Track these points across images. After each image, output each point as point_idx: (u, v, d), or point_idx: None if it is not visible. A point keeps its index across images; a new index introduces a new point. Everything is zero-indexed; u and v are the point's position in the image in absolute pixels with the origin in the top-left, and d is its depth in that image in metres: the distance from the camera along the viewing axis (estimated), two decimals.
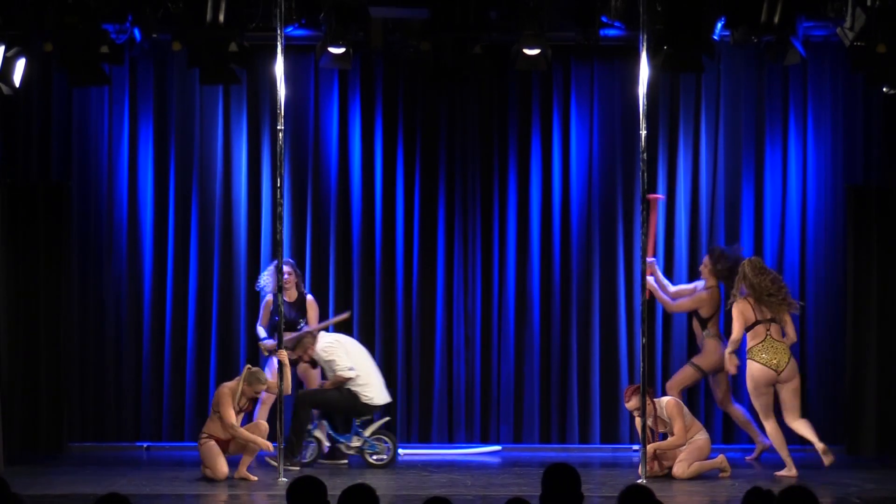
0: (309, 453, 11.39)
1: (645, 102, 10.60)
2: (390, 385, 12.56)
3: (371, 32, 11.65)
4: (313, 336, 11.50)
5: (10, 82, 10.82)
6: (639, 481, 10.46)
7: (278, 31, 10.61)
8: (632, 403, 10.83)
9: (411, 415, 12.66)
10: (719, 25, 11.14)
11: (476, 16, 11.11)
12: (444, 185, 12.69)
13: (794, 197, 12.57)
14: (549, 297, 12.65)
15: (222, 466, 10.64)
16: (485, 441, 12.53)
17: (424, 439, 12.63)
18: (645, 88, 10.57)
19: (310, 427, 11.37)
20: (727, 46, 11.87)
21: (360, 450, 11.40)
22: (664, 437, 10.90)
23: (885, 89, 11.12)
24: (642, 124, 10.65)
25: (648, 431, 10.71)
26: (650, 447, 10.67)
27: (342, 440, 11.41)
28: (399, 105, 12.72)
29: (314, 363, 11.64)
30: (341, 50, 11.37)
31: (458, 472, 11.23)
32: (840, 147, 12.53)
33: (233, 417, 10.65)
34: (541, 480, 5.36)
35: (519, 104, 12.70)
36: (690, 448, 10.83)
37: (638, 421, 10.78)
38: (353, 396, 11.40)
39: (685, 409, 10.97)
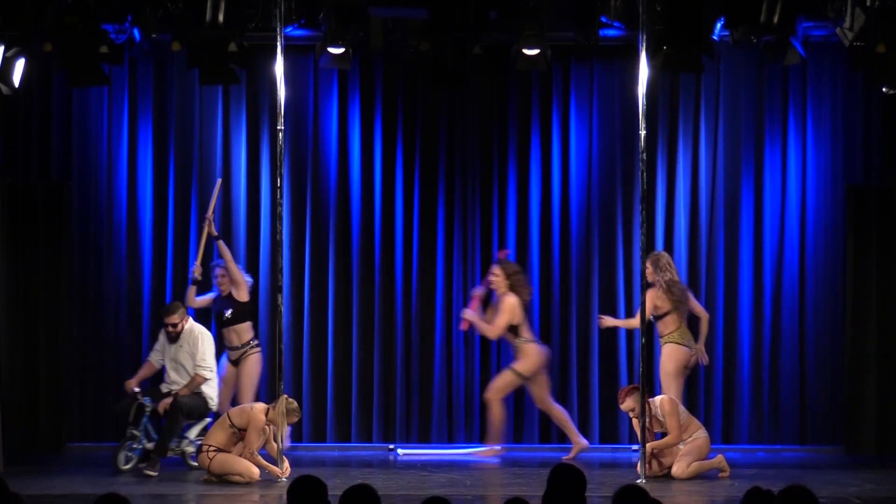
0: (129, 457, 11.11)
1: (644, 102, 10.60)
2: (389, 385, 12.59)
3: (371, 32, 11.64)
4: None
5: (9, 82, 10.82)
6: (638, 481, 10.46)
7: (278, 31, 10.61)
8: (626, 404, 10.83)
9: (410, 415, 12.66)
10: (719, 25, 11.13)
11: (476, 16, 11.10)
12: (443, 185, 12.70)
13: (793, 197, 12.57)
14: (548, 296, 12.65)
15: (254, 468, 10.54)
16: (484, 442, 12.52)
17: (424, 439, 12.63)
18: (644, 88, 10.57)
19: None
20: (727, 46, 11.86)
21: (182, 451, 11.23)
22: (661, 436, 10.90)
23: (884, 89, 11.11)
24: (642, 124, 10.65)
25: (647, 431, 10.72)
26: (648, 445, 10.66)
27: (173, 443, 11.14)
28: (399, 105, 12.73)
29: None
30: (341, 50, 11.37)
31: (458, 472, 11.22)
32: (840, 147, 12.54)
33: (256, 445, 10.56)
34: (547, 479, 5.36)
35: (518, 104, 12.70)
36: (690, 447, 10.83)
37: (636, 421, 10.78)
38: (204, 400, 11.25)
39: (680, 406, 10.97)
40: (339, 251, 12.68)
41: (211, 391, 11.26)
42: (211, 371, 11.24)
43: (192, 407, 11.11)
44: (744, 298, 12.57)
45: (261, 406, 10.64)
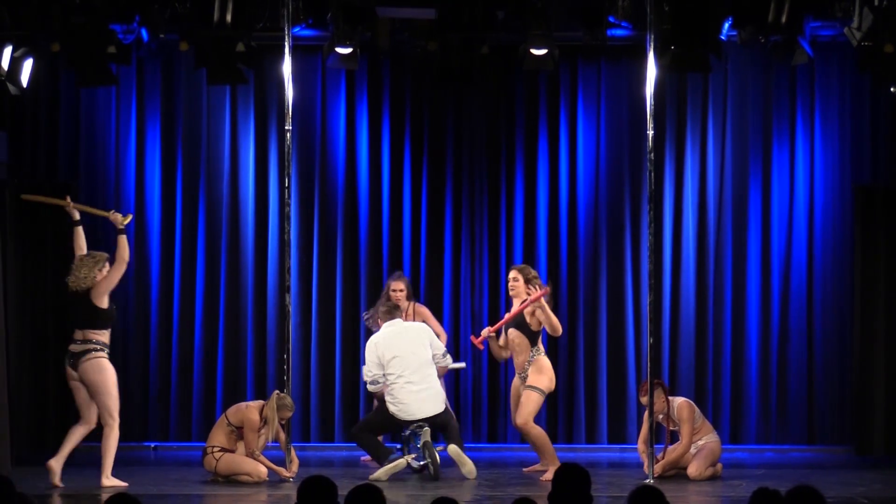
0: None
1: (652, 102, 10.60)
2: None
3: (378, 32, 11.66)
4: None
5: (17, 82, 10.82)
6: (646, 481, 10.46)
7: (286, 31, 10.60)
8: (646, 399, 10.78)
9: None
10: (727, 25, 11.13)
11: (483, 16, 11.09)
12: (451, 185, 12.70)
13: (801, 197, 12.57)
14: (556, 296, 12.62)
15: (261, 467, 10.53)
16: (492, 441, 12.52)
17: (432, 438, 12.59)
18: (652, 88, 10.57)
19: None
20: (734, 46, 11.86)
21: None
22: (675, 436, 10.87)
23: (892, 89, 11.10)
24: (649, 124, 10.64)
25: (658, 427, 10.71)
26: (657, 466, 10.64)
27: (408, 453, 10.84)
28: (406, 105, 12.73)
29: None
30: (348, 50, 11.37)
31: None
32: (847, 147, 12.53)
33: (255, 444, 10.56)
34: (552, 479, 5.36)
35: (526, 104, 12.70)
36: (704, 451, 10.76)
37: (646, 418, 10.77)
38: (386, 410, 10.84)
39: (697, 411, 10.90)
40: (346, 251, 12.69)
41: (390, 399, 10.85)
42: (366, 377, 10.94)
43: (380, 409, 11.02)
44: (751, 298, 12.56)
45: (255, 404, 10.65)
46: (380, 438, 11.00)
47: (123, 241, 10.28)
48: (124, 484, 10.33)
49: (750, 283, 12.58)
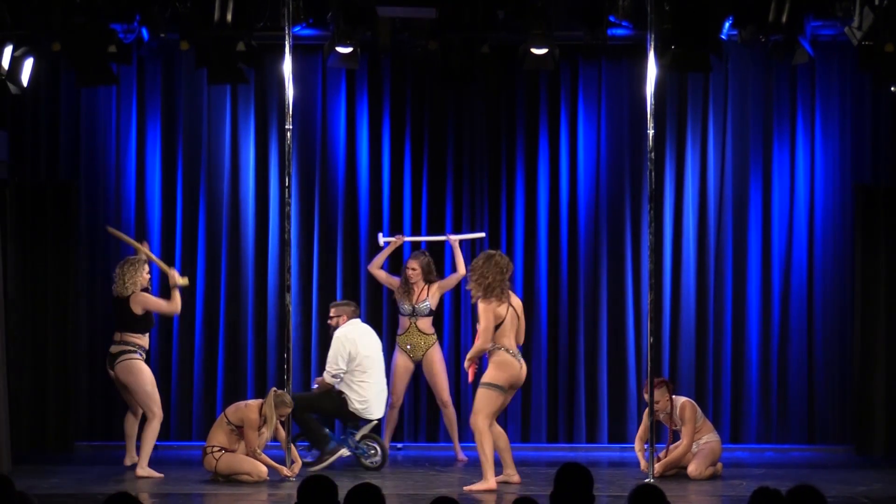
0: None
1: (653, 102, 10.60)
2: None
3: (379, 32, 11.66)
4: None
5: (18, 82, 10.83)
6: (646, 480, 10.47)
7: (286, 31, 10.61)
8: (647, 398, 10.76)
9: (419, 414, 12.67)
10: (727, 25, 11.13)
11: (484, 15, 11.11)
12: (451, 185, 12.70)
13: (801, 196, 12.56)
14: (556, 296, 12.66)
15: (261, 466, 10.54)
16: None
17: (432, 438, 12.64)
18: (653, 88, 10.57)
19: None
20: (735, 46, 11.87)
21: (356, 456, 11.23)
22: (676, 436, 10.87)
23: (892, 88, 11.10)
24: (650, 124, 10.65)
25: (659, 426, 10.71)
26: (658, 466, 10.65)
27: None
28: (407, 104, 12.73)
29: None
30: (349, 49, 11.38)
31: (466, 471, 11.21)
32: (848, 146, 12.53)
33: (255, 442, 10.56)
34: (554, 479, 5.36)
35: (527, 104, 12.70)
36: (705, 451, 10.76)
37: (657, 414, 10.76)
38: (343, 402, 11.23)
39: (699, 411, 10.90)
40: (347, 250, 12.69)
41: (350, 393, 11.20)
42: (333, 375, 11.18)
43: (339, 403, 11.19)
44: (752, 297, 12.56)
45: (254, 403, 10.66)
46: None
47: (177, 295, 11.12)
48: (159, 475, 10.71)
49: (750, 283, 12.57)
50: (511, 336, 10.24)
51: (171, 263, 12.58)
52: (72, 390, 12.23)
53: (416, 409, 12.66)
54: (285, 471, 10.54)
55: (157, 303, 11.14)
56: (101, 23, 10.70)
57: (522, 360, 10.33)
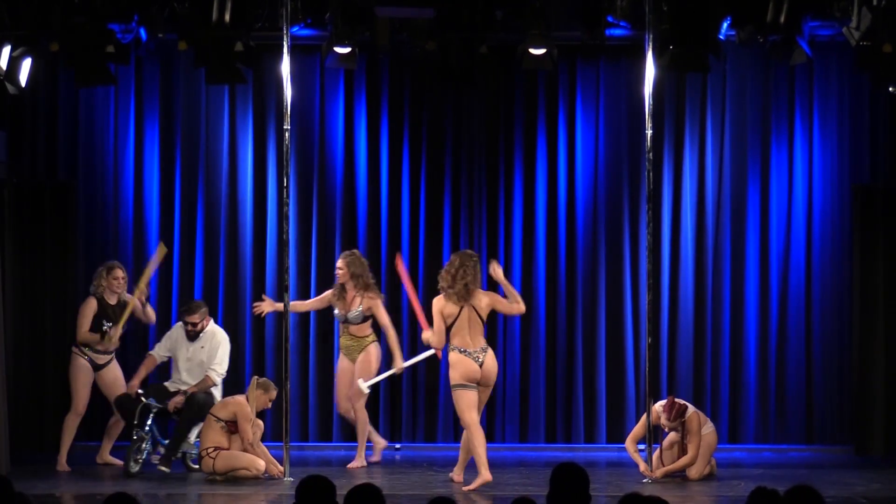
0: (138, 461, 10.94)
1: (651, 102, 10.61)
2: (395, 384, 12.58)
3: (377, 32, 11.65)
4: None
5: (16, 82, 10.82)
6: (644, 481, 10.47)
7: (284, 31, 10.61)
8: (661, 420, 10.64)
9: (416, 414, 12.67)
10: (725, 25, 11.13)
11: (482, 16, 11.10)
12: (449, 185, 12.70)
13: (799, 196, 12.57)
14: (554, 296, 12.66)
15: (258, 460, 10.55)
16: (490, 441, 12.50)
17: (430, 438, 12.63)
18: (651, 88, 10.58)
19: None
20: (733, 46, 11.86)
21: (183, 453, 11.13)
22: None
23: (891, 89, 11.10)
24: (648, 124, 10.66)
25: (655, 428, 10.70)
26: (659, 472, 10.62)
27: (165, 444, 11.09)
28: (405, 105, 12.73)
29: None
30: (347, 50, 11.38)
31: (464, 471, 11.19)
32: (846, 147, 12.53)
33: (251, 434, 10.57)
34: (549, 479, 5.36)
35: (525, 104, 12.70)
36: (703, 449, 10.74)
37: (643, 420, 10.75)
38: (214, 401, 11.07)
39: (701, 416, 10.82)
40: (345, 250, 12.66)
41: (218, 394, 11.22)
42: (221, 376, 11.21)
43: (206, 405, 10.96)
44: (750, 298, 12.56)
45: (240, 396, 10.71)
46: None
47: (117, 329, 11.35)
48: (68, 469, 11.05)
49: (748, 283, 12.58)
50: (464, 335, 10.29)
51: (168, 264, 12.58)
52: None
53: (414, 409, 12.66)
54: (279, 468, 10.55)
55: (81, 318, 11.32)
56: (100, 23, 10.69)
57: (482, 356, 10.26)
